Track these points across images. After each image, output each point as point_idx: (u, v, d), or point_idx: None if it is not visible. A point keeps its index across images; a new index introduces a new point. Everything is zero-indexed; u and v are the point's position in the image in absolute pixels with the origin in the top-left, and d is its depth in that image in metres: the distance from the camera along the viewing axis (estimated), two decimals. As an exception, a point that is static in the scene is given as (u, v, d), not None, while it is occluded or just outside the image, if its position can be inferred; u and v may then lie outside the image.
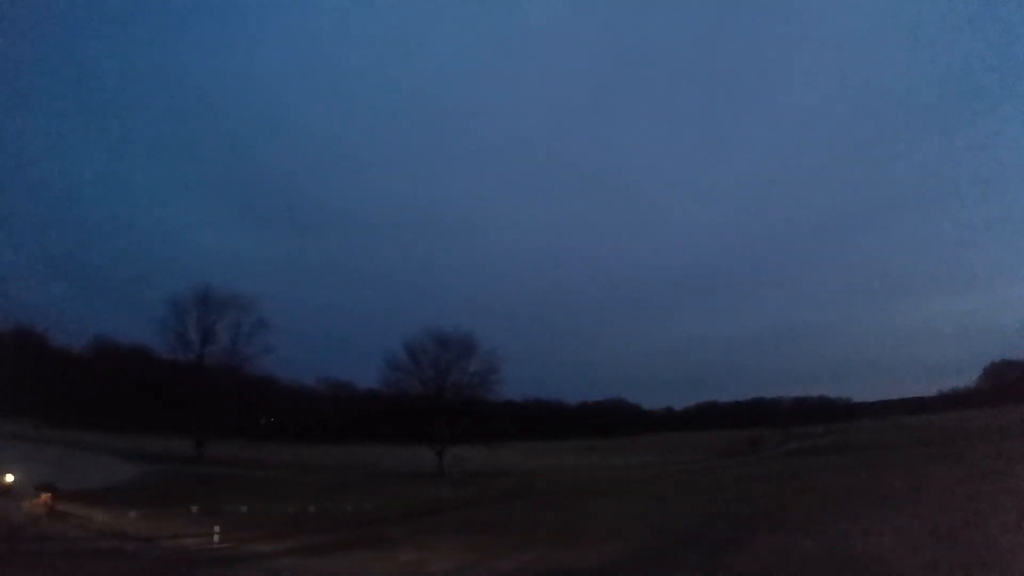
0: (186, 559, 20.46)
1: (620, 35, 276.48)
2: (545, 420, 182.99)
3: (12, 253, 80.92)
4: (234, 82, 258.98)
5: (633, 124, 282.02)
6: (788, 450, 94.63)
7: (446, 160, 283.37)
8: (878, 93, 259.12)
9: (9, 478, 33.09)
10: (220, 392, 71.15)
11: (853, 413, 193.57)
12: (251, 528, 25.87)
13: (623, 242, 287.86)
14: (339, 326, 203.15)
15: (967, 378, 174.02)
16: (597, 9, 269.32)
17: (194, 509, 28.76)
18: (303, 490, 41.87)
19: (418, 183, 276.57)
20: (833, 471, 42.63)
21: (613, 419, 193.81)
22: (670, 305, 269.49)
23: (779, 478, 43.19)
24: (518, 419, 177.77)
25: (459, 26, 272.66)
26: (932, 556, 15.39)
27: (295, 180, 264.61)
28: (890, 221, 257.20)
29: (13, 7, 70.70)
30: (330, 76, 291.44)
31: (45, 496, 28.10)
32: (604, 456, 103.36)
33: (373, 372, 78.26)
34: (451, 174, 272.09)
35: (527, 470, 70.88)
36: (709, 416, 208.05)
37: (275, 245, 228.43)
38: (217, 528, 23.36)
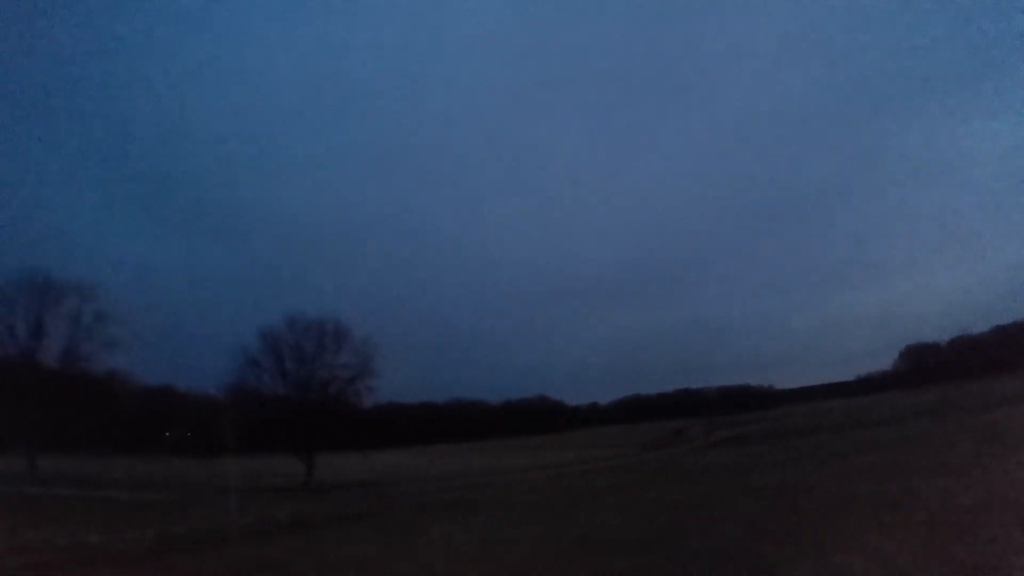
0: None
1: (551, 37, 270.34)
2: (468, 421, 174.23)
3: None
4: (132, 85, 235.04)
5: (564, 125, 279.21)
6: (713, 440, 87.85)
7: (376, 162, 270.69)
8: (794, 101, 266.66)
9: None
10: (55, 396, 56.20)
11: (776, 400, 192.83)
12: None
13: (549, 241, 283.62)
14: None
15: (884, 362, 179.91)
16: (531, 11, 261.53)
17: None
18: (115, 512, 32.62)
19: (347, 185, 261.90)
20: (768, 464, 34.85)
21: (537, 417, 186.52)
22: (594, 302, 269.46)
23: (705, 475, 34.02)
24: (438, 421, 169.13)
25: (382, 26, 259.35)
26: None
27: (203, 183, 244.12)
28: (808, 218, 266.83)
29: None
30: (244, 78, 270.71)
31: None
32: (522, 456, 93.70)
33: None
34: (380, 176, 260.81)
35: (418, 476, 60.29)
36: (635, 409, 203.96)
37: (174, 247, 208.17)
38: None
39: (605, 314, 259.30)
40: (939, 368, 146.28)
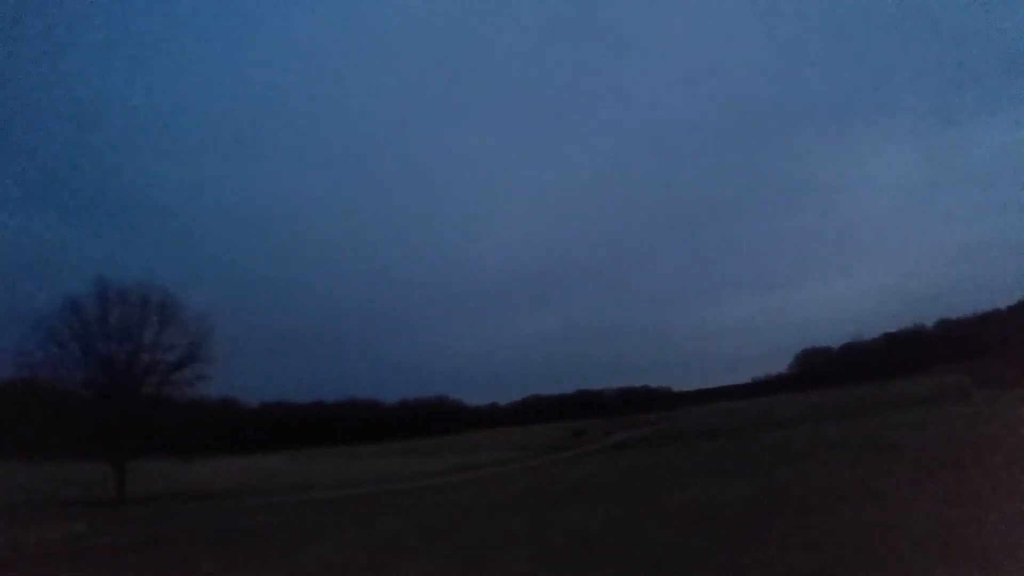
0: None
1: (461, 38, 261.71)
2: (361, 422, 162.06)
3: None
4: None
5: (470, 127, 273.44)
6: (615, 442, 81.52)
7: (274, 158, 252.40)
8: (698, 118, 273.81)
9: None
10: None
11: (675, 401, 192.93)
12: None
13: (452, 241, 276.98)
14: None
15: (779, 366, 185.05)
16: (441, 11, 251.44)
17: None
18: None
19: (244, 178, 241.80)
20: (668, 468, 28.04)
21: (436, 418, 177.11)
22: (497, 303, 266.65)
23: (610, 488, 26.16)
24: (329, 422, 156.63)
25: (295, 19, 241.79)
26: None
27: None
28: (708, 228, 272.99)
29: None
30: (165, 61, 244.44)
31: None
32: (409, 460, 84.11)
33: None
34: (270, 162, 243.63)
35: (277, 485, 49.64)
36: (535, 410, 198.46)
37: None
38: None
39: (508, 315, 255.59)
40: (831, 372, 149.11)
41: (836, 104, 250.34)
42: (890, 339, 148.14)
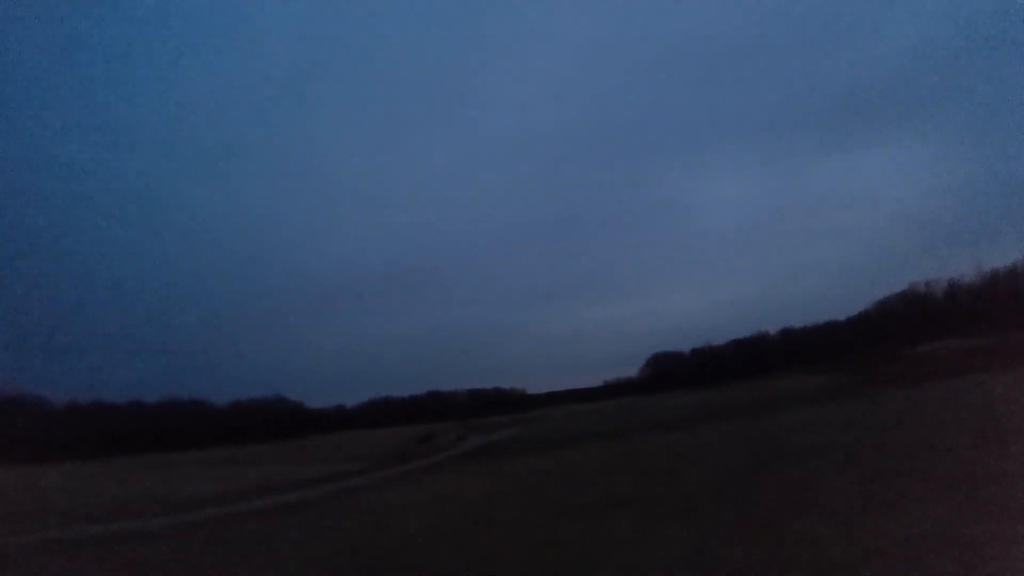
0: None
1: (326, 35, 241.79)
2: (186, 425, 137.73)
3: None
4: None
5: (326, 125, 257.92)
6: (468, 449, 70.60)
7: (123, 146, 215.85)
8: (561, 127, 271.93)
9: None
10: None
11: (529, 404, 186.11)
12: None
13: (300, 239, 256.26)
14: None
15: (630, 370, 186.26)
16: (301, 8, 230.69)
17: None
18: None
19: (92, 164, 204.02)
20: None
21: (273, 420, 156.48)
22: (347, 302, 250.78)
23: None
24: (147, 425, 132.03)
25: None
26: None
27: None
28: (563, 235, 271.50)
29: None
30: None
31: None
32: (228, 472, 67.39)
33: None
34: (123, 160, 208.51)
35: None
36: (383, 412, 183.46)
37: None
38: None
39: (358, 314, 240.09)
40: (682, 375, 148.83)
41: (694, 129, 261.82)
42: (738, 345, 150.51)
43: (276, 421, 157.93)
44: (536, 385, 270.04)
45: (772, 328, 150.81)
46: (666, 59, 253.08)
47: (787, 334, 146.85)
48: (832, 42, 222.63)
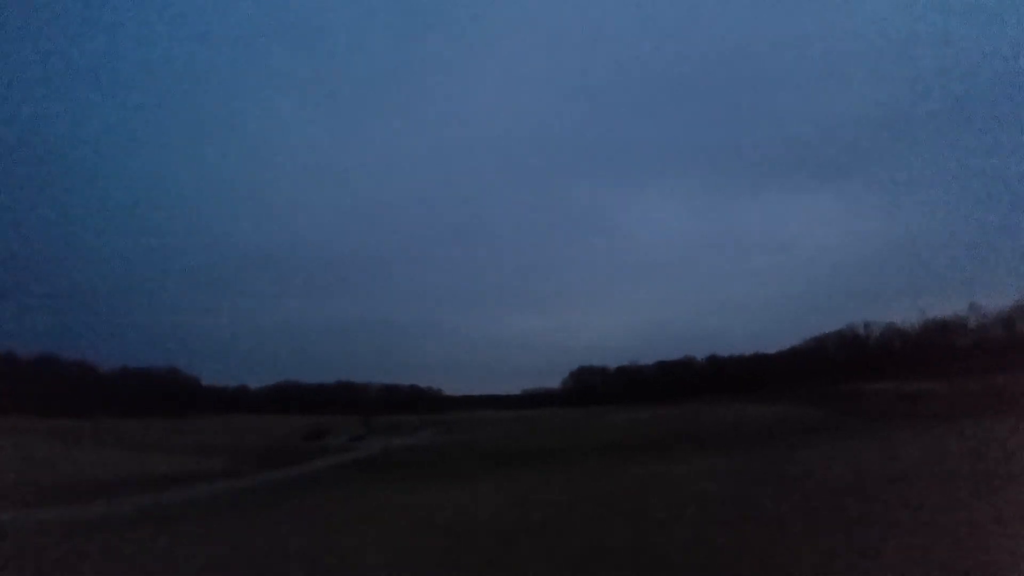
0: None
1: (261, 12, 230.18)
2: (64, 387, 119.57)
3: None
4: None
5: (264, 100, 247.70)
6: (365, 456, 56.78)
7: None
8: (502, 132, 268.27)
9: None
10: None
11: (444, 405, 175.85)
12: None
13: (229, 211, 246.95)
14: None
15: (552, 380, 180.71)
16: None
17: None
18: None
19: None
20: None
21: (163, 394, 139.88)
22: (262, 281, 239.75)
23: None
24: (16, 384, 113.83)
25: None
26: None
27: None
28: (493, 241, 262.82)
29: None
30: None
31: None
32: (66, 457, 54.56)
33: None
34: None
35: None
36: (289, 397, 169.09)
37: None
38: None
39: (276, 295, 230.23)
40: (605, 391, 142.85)
41: (635, 156, 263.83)
42: (663, 367, 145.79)
43: (166, 395, 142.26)
44: (453, 387, 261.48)
45: (699, 355, 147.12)
46: (615, 83, 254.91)
47: (714, 361, 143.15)
48: (777, 93, 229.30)
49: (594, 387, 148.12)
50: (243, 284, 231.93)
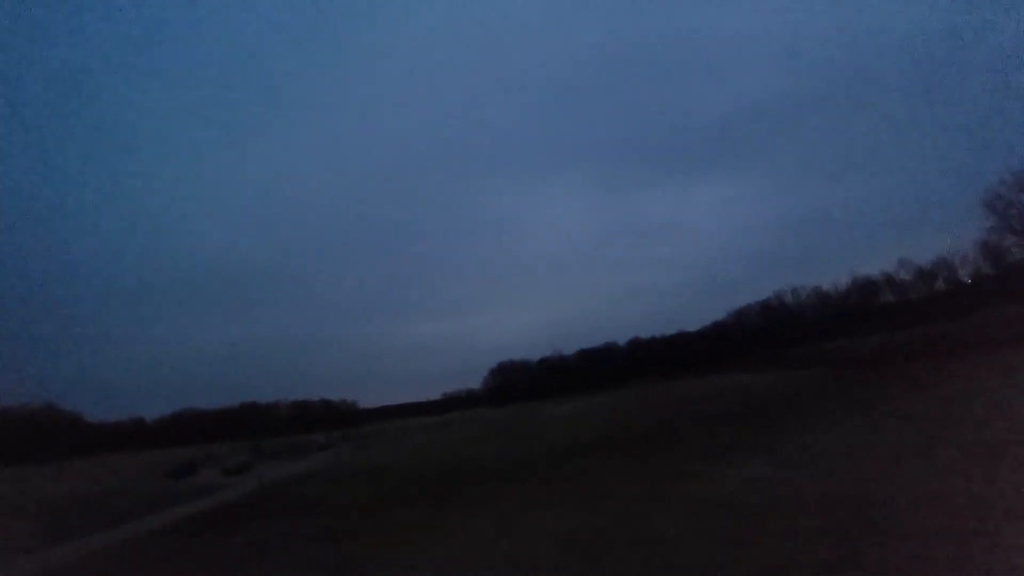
0: None
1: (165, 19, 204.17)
2: None
3: None
4: None
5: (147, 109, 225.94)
6: (216, 505, 37.18)
7: None
8: (402, 138, 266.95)
9: None
10: None
11: (361, 418, 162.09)
12: None
13: (112, 232, 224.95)
14: None
15: (473, 382, 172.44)
16: None
17: None
18: None
19: None
20: None
21: (33, 433, 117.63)
22: (147, 311, 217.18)
23: None
24: None
25: None
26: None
27: None
28: (400, 249, 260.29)
29: None
30: None
31: None
32: None
33: None
34: None
35: None
36: (188, 426, 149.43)
37: None
38: None
39: (160, 325, 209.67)
40: (528, 385, 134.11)
41: (533, 152, 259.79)
42: (586, 354, 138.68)
43: (42, 434, 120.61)
44: (369, 399, 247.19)
45: (619, 340, 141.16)
46: (511, 82, 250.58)
47: (637, 343, 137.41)
48: (671, 84, 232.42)
49: (517, 383, 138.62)
50: (133, 310, 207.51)
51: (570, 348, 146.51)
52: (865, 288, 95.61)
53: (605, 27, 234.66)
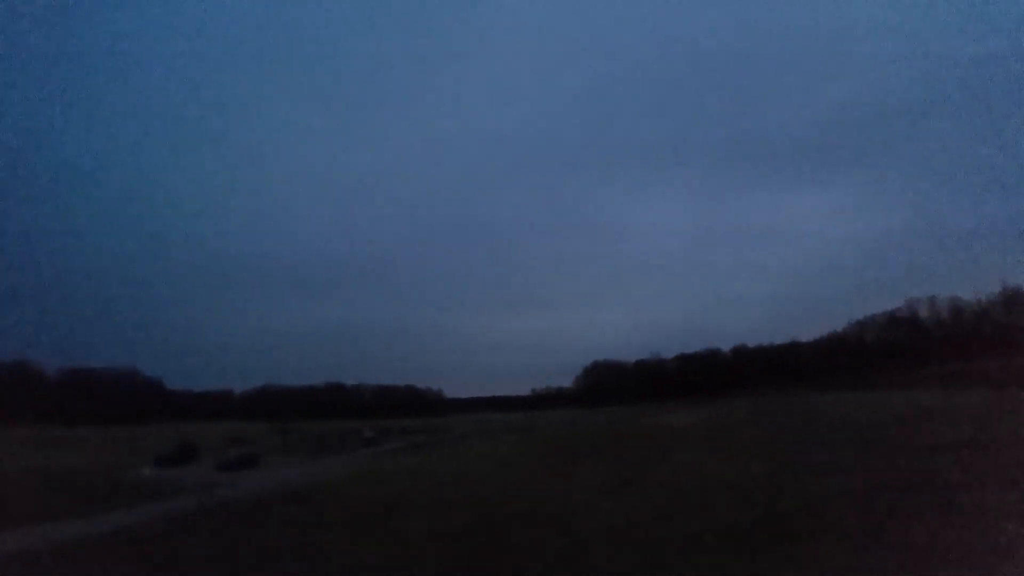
0: None
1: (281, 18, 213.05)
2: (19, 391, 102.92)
3: None
4: None
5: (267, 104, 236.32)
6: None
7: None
8: (509, 137, 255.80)
9: None
10: None
11: (445, 408, 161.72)
12: None
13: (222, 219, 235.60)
14: None
15: (565, 378, 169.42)
16: None
17: None
18: None
19: None
20: None
21: (120, 397, 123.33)
22: (248, 293, 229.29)
23: None
24: None
25: None
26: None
27: None
28: (499, 246, 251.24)
29: None
30: None
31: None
32: None
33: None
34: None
35: None
36: (272, 401, 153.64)
37: None
38: None
39: (264, 300, 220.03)
40: (623, 387, 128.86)
41: (636, 152, 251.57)
42: (686, 359, 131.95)
43: (127, 398, 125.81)
44: (457, 390, 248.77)
45: (723, 346, 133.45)
46: (615, 80, 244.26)
47: (741, 352, 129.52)
48: (778, 87, 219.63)
49: (611, 384, 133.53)
50: (233, 288, 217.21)
51: (668, 352, 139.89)
52: (1015, 300, 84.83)
53: (708, 25, 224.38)
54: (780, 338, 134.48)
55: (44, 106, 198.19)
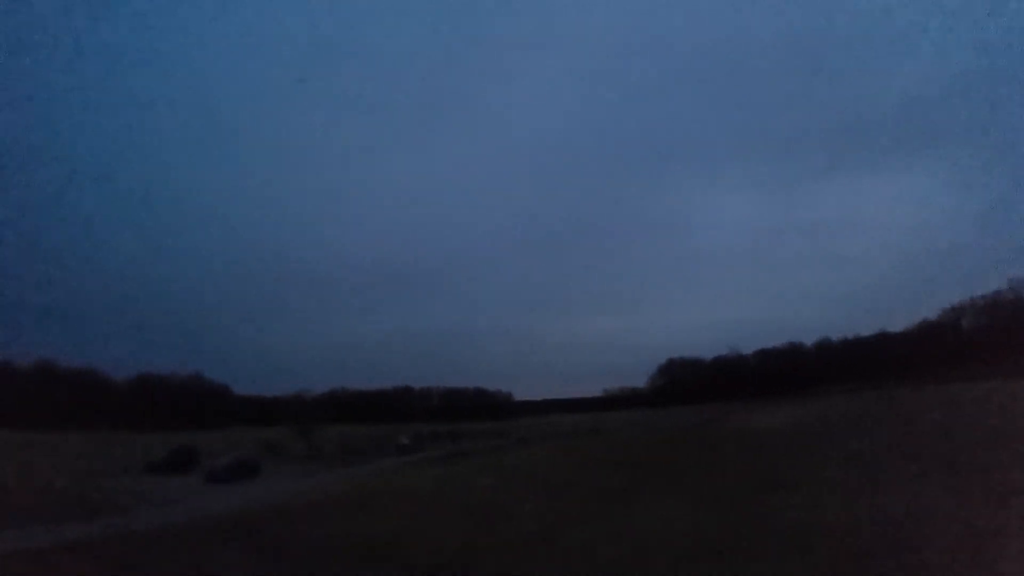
0: None
1: (330, 25, 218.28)
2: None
3: None
4: None
5: (323, 116, 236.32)
6: None
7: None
8: (573, 139, 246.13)
9: None
10: None
11: (515, 411, 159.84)
12: None
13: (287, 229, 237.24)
14: None
15: (638, 378, 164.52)
16: None
17: None
18: None
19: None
20: None
21: (202, 405, 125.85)
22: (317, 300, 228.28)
23: None
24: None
25: None
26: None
27: None
28: (566, 248, 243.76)
29: None
30: None
31: None
32: None
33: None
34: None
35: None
36: (341, 405, 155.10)
37: None
38: None
39: (333, 309, 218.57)
40: (700, 385, 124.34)
41: (701, 145, 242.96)
42: (765, 354, 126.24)
43: (207, 406, 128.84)
44: (526, 392, 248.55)
45: (805, 340, 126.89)
46: (674, 75, 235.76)
47: (824, 346, 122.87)
48: (843, 68, 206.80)
49: (687, 382, 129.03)
50: (299, 297, 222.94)
51: (747, 348, 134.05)
52: None
53: (768, 11, 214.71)
54: (866, 330, 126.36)
55: (124, 118, 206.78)
